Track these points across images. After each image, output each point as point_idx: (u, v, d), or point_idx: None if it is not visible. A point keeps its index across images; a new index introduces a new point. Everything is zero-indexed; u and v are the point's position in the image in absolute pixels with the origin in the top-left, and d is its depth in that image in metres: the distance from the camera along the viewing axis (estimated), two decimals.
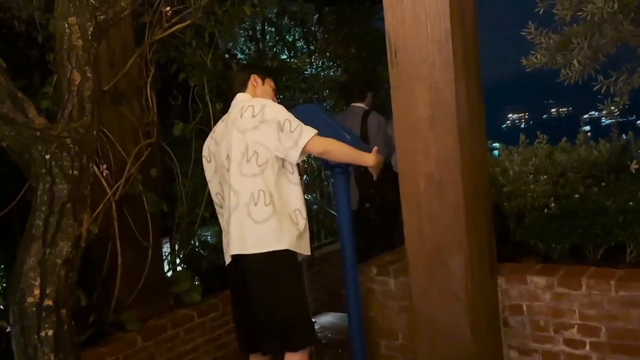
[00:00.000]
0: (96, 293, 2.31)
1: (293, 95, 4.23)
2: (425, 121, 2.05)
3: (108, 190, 2.27)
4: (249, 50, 4.24)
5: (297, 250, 1.94)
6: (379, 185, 3.23)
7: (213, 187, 2.11)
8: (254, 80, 2.11)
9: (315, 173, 4.15)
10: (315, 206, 3.95)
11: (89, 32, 1.60)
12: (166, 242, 2.80)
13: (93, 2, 1.65)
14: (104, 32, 1.74)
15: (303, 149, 1.90)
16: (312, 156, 3.26)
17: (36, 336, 1.35)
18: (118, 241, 2.31)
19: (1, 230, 2.40)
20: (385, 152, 3.22)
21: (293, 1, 4.31)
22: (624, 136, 3.25)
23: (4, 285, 2.46)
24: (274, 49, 4.31)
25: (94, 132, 1.56)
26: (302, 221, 1.96)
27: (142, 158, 2.42)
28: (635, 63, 2.30)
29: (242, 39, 4.18)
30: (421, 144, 2.07)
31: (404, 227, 2.16)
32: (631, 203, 2.23)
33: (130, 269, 2.37)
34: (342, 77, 4.41)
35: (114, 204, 2.29)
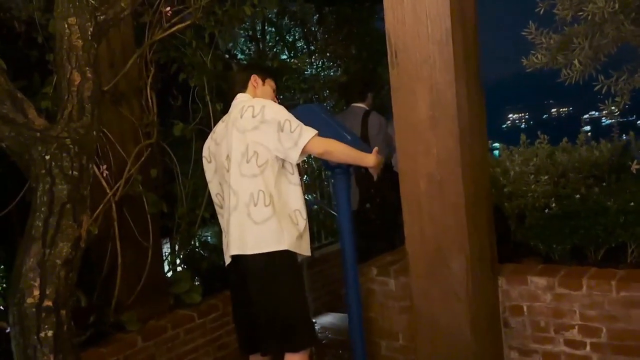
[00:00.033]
0: (96, 294, 2.31)
1: (293, 95, 4.23)
2: (426, 122, 2.05)
3: (108, 191, 2.27)
4: (249, 50, 4.23)
5: (297, 251, 1.94)
6: (380, 186, 3.22)
7: (213, 188, 2.11)
8: (255, 80, 2.10)
9: (315, 173, 4.14)
10: (315, 206, 3.94)
11: (89, 33, 1.60)
12: (166, 243, 2.80)
13: (93, 2, 1.65)
14: (104, 33, 1.74)
15: (303, 149, 1.90)
16: (312, 156, 3.26)
17: (36, 337, 1.35)
18: (118, 242, 2.31)
19: (1, 231, 2.39)
20: (386, 152, 3.22)
21: (293, 1, 4.31)
22: (624, 136, 3.24)
23: (4, 285, 2.45)
24: (274, 49, 4.31)
25: (94, 132, 1.56)
26: (302, 222, 1.96)
27: (142, 158, 2.42)
28: (636, 63, 2.30)
29: (242, 39, 4.17)
30: (422, 145, 2.07)
31: (405, 227, 2.16)
32: (632, 203, 2.23)
33: (131, 270, 2.37)
34: (343, 78, 4.40)
35: (114, 205, 2.29)
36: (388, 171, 3.25)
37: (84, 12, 1.60)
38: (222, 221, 2.06)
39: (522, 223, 2.45)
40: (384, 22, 2.12)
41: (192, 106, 2.77)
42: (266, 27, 4.27)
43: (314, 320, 3.21)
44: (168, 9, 2.46)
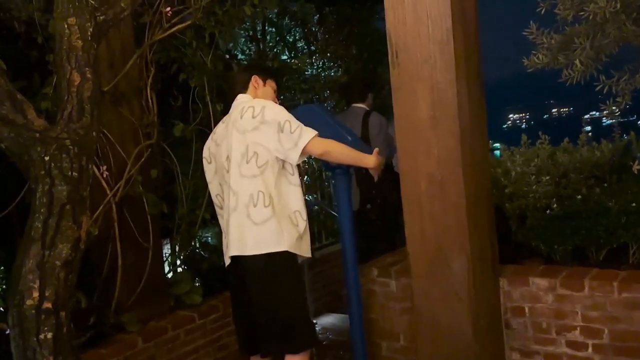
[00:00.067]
0: (96, 294, 2.30)
1: (294, 95, 4.22)
2: (427, 122, 2.04)
3: (108, 192, 2.27)
4: (250, 50, 4.23)
5: (298, 252, 1.93)
6: (380, 186, 3.22)
7: (213, 189, 2.10)
8: (255, 81, 2.10)
9: (316, 174, 4.14)
10: (316, 207, 3.93)
11: (89, 33, 1.59)
12: (167, 244, 2.79)
13: (93, 2, 1.65)
14: (104, 33, 1.73)
15: (303, 150, 1.89)
16: (312, 157, 3.25)
17: (35, 339, 1.34)
18: (118, 242, 2.30)
19: (1, 232, 2.39)
20: (387, 152, 3.21)
21: (294, 1, 4.30)
22: (624, 136, 3.24)
23: (4, 287, 2.45)
24: (275, 50, 4.30)
25: (94, 133, 1.56)
26: (303, 223, 1.95)
27: (143, 159, 2.41)
28: (638, 63, 2.29)
29: (243, 40, 4.17)
30: (423, 145, 2.06)
31: (405, 227, 2.15)
32: (634, 204, 2.22)
33: (131, 271, 2.36)
34: (343, 78, 4.39)
35: (114, 205, 2.28)
36: (389, 171, 3.24)
37: (84, 13, 1.59)
38: (222, 222, 2.05)
39: (523, 224, 2.45)
40: (384, 22, 2.12)
41: (192, 106, 2.77)
42: (266, 27, 4.26)
43: (314, 321, 3.21)
44: (168, 9, 2.46)
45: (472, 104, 2.05)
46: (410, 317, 2.27)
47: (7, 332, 1.64)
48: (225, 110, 2.13)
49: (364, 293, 2.38)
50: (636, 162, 2.57)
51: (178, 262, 2.80)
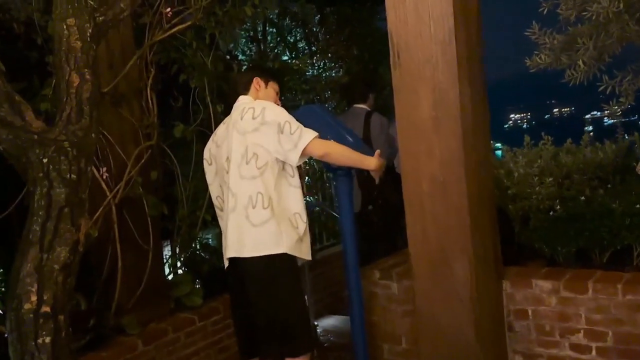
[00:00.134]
0: (96, 297, 2.29)
1: (295, 96, 4.21)
2: (429, 122, 2.03)
3: (108, 193, 2.25)
4: (250, 51, 4.22)
5: (297, 255, 1.92)
6: (382, 187, 3.20)
7: (214, 190, 2.09)
8: (257, 83, 2.08)
9: (317, 175, 4.12)
10: (317, 208, 3.92)
11: (88, 34, 1.58)
12: (167, 245, 2.78)
13: (92, 3, 1.63)
14: (103, 34, 1.72)
15: (303, 151, 1.88)
16: (313, 158, 3.24)
17: (33, 343, 1.33)
18: (118, 244, 2.29)
19: (1, 233, 2.38)
20: (388, 153, 3.20)
21: (294, 2, 4.29)
22: (625, 136, 3.22)
23: (3, 289, 2.44)
24: (276, 50, 4.29)
25: (93, 134, 1.54)
26: (303, 225, 1.93)
27: (143, 160, 2.40)
28: None
29: (243, 40, 4.16)
30: (424, 145, 2.05)
31: (407, 229, 2.14)
32: (638, 205, 2.20)
33: (131, 273, 2.35)
34: (344, 78, 4.38)
35: (114, 207, 2.27)
36: (390, 172, 3.22)
37: (83, 13, 1.58)
38: (222, 224, 2.04)
39: (526, 225, 2.43)
40: (385, 22, 2.10)
41: (192, 107, 2.75)
42: (267, 28, 4.25)
43: (316, 323, 3.20)
44: (168, 9, 2.45)
45: (475, 104, 2.04)
46: (412, 320, 2.25)
47: (6, 335, 1.62)
48: (226, 112, 2.12)
49: (366, 295, 2.36)
50: (639, 163, 2.56)
51: (178, 264, 2.79)
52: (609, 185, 2.58)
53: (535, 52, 2.25)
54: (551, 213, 2.36)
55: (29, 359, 1.34)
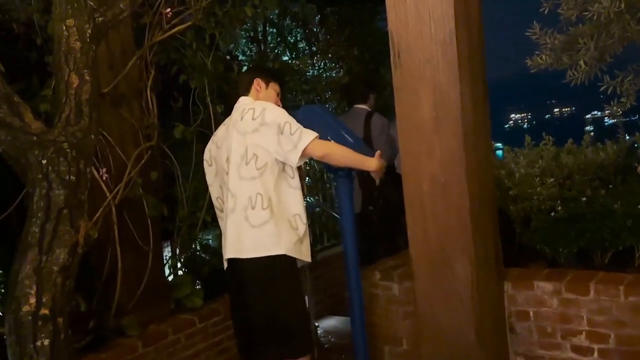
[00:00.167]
0: (96, 298, 2.28)
1: (295, 97, 4.20)
2: (429, 123, 2.02)
3: (108, 194, 2.25)
4: (251, 51, 4.21)
5: (297, 256, 1.91)
6: (383, 188, 3.19)
7: (214, 191, 2.08)
8: (258, 84, 2.08)
9: (317, 175, 4.11)
10: (317, 209, 3.91)
11: (87, 34, 1.57)
12: (167, 246, 2.78)
13: (91, 3, 1.63)
14: (103, 34, 1.72)
15: (303, 152, 1.87)
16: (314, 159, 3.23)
17: (32, 346, 1.32)
18: (118, 245, 2.28)
19: (1, 234, 2.37)
20: (389, 153, 3.19)
21: (295, 2, 4.28)
22: (626, 136, 3.21)
23: (2, 291, 2.43)
24: (276, 51, 4.28)
25: (92, 136, 1.54)
26: (302, 226, 1.93)
27: (143, 161, 2.39)
28: None
29: (244, 41, 4.15)
30: (425, 146, 2.04)
31: (408, 230, 2.13)
32: (639, 206, 2.19)
33: (131, 274, 2.34)
34: (345, 79, 4.37)
35: (113, 208, 2.26)
36: (391, 173, 3.22)
37: (82, 14, 1.57)
38: (222, 224, 2.03)
39: (527, 226, 2.42)
40: (386, 22, 2.10)
41: (192, 108, 2.75)
42: (267, 28, 4.24)
43: (316, 324, 3.19)
44: (168, 10, 2.44)
45: (475, 104, 2.03)
46: (413, 322, 2.24)
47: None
48: (226, 112, 2.11)
49: (366, 297, 2.35)
50: None
51: (179, 265, 2.78)
52: (611, 186, 2.57)
53: (536, 52, 2.24)
54: (552, 214, 2.35)
55: None
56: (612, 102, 2.24)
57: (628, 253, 2.22)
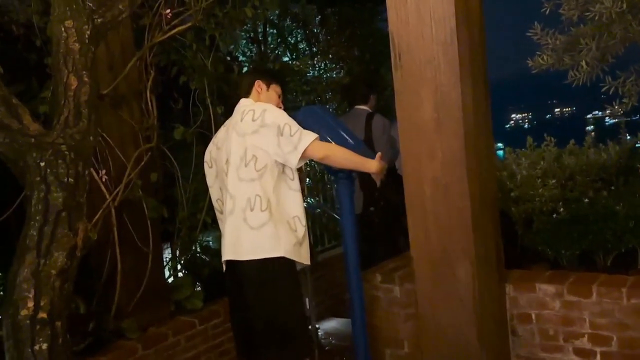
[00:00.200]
0: (95, 300, 2.27)
1: (295, 97, 4.19)
2: (431, 123, 2.02)
3: (107, 196, 2.24)
4: (251, 52, 4.20)
5: (296, 259, 1.90)
6: (384, 189, 3.18)
7: (214, 193, 2.07)
8: (259, 86, 2.06)
9: (318, 176, 4.10)
10: (318, 210, 3.90)
11: (86, 36, 1.57)
12: (167, 248, 2.77)
13: (90, 5, 1.62)
14: (102, 36, 1.71)
15: (303, 153, 1.86)
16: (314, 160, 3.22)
17: (30, 350, 1.31)
18: (118, 247, 2.27)
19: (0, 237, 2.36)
20: (390, 155, 3.18)
21: (295, 2, 4.27)
22: (627, 136, 3.20)
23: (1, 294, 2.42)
24: (276, 51, 4.27)
25: (91, 137, 1.53)
26: (302, 229, 1.91)
27: (142, 163, 2.38)
28: None
29: (244, 41, 4.14)
30: (426, 147, 2.03)
31: (409, 231, 2.12)
32: None
33: (131, 276, 2.33)
34: (345, 79, 4.36)
35: (113, 210, 2.25)
36: (392, 174, 3.20)
37: (81, 15, 1.57)
38: (221, 226, 2.02)
39: (529, 228, 2.41)
40: (387, 23, 2.09)
41: (192, 109, 2.74)
42: (268, 29, 4.24)
43: (317, 326, 3.18)
44: (168, 11, 2.43)
45: (477, 105, 2.02)
46: (414, 324, 2.23)
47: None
48: (227, 113, 2.10)
49: (368, 299, 2.34)
50: None
51: (179, 266, 2.77)
52: (613, 187, 2.56)
53: (538, 52, 2.23)
54: (554, 215, 2.33)
55: None
56: (613, 103, 2.23)
57: (631, 255, 2.20)
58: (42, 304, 1.32)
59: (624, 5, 1.96)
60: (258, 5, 2.74)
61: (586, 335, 2.01)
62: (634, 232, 2.14)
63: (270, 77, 2.11)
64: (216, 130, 2.15)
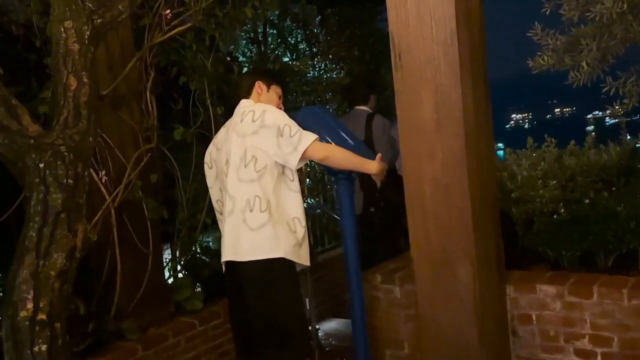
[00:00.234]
0: (95, 301, 2.27)
1: (295, 98, 4.19)
2: (431, 124, 2.01)
3: (107, 197, 2.23)
4: (251, 52, 4.20)
5: (296, 260, 1.89)
6: (384, 190, 3.18)
7: (214, 194, 2.07)
8: (259, 87, 2.06)
9: (318, 177, 4.10)
10: (318, 211, 3.90)
11: (86, 36, 1.56)
12: (167, 249, 2.76)
13: (90, 5, 1.62)
14: (101, 36, 1.71)
15: (303, 154, 1.86)
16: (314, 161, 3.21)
17: (29, 351, 1.31)
18: (117, 248, 2.27)
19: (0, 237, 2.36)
20: (390, 155, 3.17)
21: (295, 3, 4.27)
22: (628, 137, 3.20)
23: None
24: (276, 52, 4.27)
25: (90, 138, 1.53)
26: (301, 230, 1.91)
27: (142, 163, 2.38)
28: None
29: (244, 42, 4.14)
30: (426, 147, 2.03)
31: (409, 232, 2.12)
32: None
33: (130, 277, 2.33)
34: (345, 80, 4.36)
35: (113, 211, 2.25)
36: (392, 174, 3.20)
37: (81, 16, 1.56)
38: (221, 227, 2.02)
39: (530, 229, 2.41)
40: (387, 23, 2.09)
41: (192, 110, 2.74)
42: (268, 29, 4.23)
43: (317, 326, 3.17)
44: (168, 11, 2.43)
45: (477, 105, 2.02)
46: (415, 324, 2.23)
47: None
48: (226, 114, 2.10)
49: (368, 300, 2.34)
50: None
51: (179, 267, 2.77)
52: (614, 188, 2.55)
53: (538, 53, 2.23)
54: (555, 216, 2.33)
55: None
56: (614, 103, 2.23)
57: (631, 256, 2.20)
58: (41, 305, 1.31)
59: (625, 6, 1.96)
60: (258, 6, 2.74)
61: (587, 336, 2.01)
62: (634, 233, 2.14)
63: (270, 78, 2.11)
64: (216, 131, 2.14)
